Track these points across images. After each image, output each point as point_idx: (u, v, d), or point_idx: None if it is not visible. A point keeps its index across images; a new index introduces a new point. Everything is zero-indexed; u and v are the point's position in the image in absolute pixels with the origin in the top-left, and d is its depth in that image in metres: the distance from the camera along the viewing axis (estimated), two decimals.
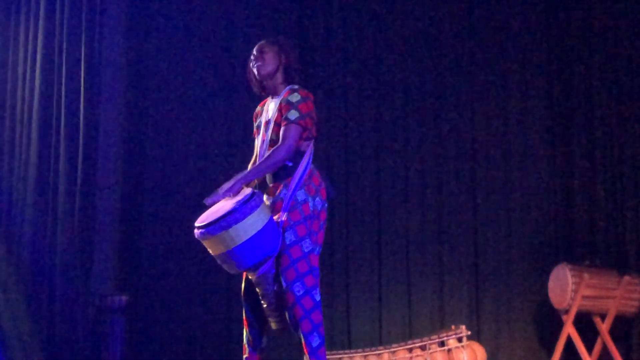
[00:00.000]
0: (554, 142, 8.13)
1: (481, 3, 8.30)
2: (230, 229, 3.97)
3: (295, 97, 4.32)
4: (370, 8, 8.34)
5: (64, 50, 7.73)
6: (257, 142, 4.50)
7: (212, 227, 4.00)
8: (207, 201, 4.22)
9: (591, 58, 8.00)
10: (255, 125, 4.57)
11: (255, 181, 4.40)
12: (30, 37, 7.83)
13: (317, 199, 4.30)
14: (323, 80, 8.24)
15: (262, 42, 4.50)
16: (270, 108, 4.45)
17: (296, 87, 4.42)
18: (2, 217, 7.58)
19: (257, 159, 4.41)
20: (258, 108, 4.60)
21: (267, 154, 4.28)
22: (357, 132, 8.24)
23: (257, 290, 4.21)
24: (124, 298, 7.53)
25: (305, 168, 4.27)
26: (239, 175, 4.28)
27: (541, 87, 8.23)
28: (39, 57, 7.78)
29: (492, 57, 8.24)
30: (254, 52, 4.48)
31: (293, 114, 4.27)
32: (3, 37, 7.89)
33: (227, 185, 4.22)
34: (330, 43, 8.32)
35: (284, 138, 4.25)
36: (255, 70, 4.45)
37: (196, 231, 4.10)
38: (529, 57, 8.22)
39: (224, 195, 4.19)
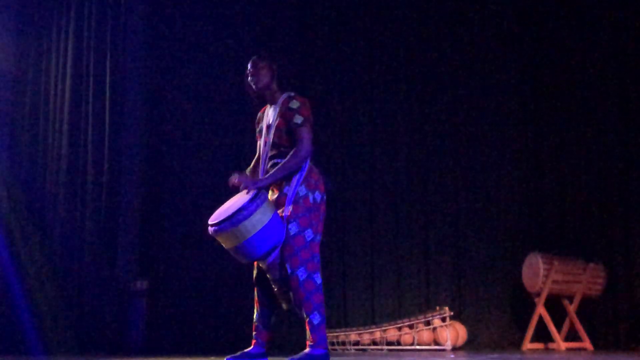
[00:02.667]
0: (527, 146, 8.16)
1: (463, 15, 8.35)
2: (239, 225, 4.01)
3: (295, 104, 4.33)
4: (368, 16, 8.40)
5: (91, 62, 7.82)
6: (260, 145, 4.48)
7: (224, 225, 4.04)
8: (235, 179, 4.19)
9: (561, 67, 8.03)
10: (257, 129, 4.56)
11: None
12: (61, 51, 7.96)
13: (317, 192, 4.28)
14: (321, 84, 8.31)
15: (255, 57, 4.49)
16: (270, 114, 4.44)
17: (292, 94, 4.41)
18: (36, 210, 7.64)
19: (260, 160, 4.42)
20: (259, 114, 4.58)
21: (288, 157, 4.25)
22: (352, 132, 8.29)
23: (269, 276, 4.23)
24: (146, 283, 7.70)
25: (305, 165, 4.26)
26: (268, 175, 4.28)
27: (516, 96, 8.25)
28: (69, 67, 7.86)
29: (473, 70, 8.28)
30: (249, 67, 4.46)
31: (299, 119, 4.28)
32: (37, 53, 8.03)
33: (256, 180, 4.23)
34: (329, 52, 8.38)
35: (301, 141, 4.26)
36: (252, 84, 4.45)
37: (210, 228, 4.11)
38: (505, 69, 8.26)
39: (253, 185, 4.16)
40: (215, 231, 4.11)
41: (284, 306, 4.31)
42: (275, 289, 4.27)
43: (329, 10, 8.47)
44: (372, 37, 8.40)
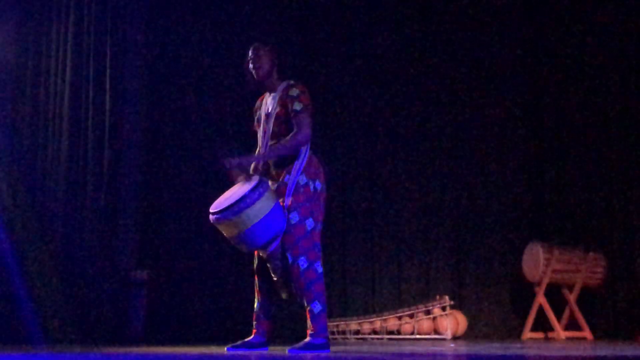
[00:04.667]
0: (528, 136, 8.13)
1: (465, 8, 8.30)
2: (241, 214, 3.98)
3: (295, 92, 4.30)
4: (370, 10, 8.30)
5: (91, 58, 7.70)
6: (259, 134, 4.44)
7: (225, 213, 4.01)
8: (226, 162, 4.16)
9: (562, 58, 8.00)
10: (255, 118, 4.52)
11: (259, 168, 4.32)
12: (61, 49, 7.85)
13: (317, 181, 4.26)
14: (321, 78, 8.18)
15: (256, 44, 4.43)
16: (269, 102, 4.39)
17: (292, 82, 4.38)
18: (37, 200, 7.53)
19: (260, 149, 4.36)
20: (257, 102, 4.54)
21: (286, 138, 4.21)
22: (353, 122, 8.20)
23: (268, 265, 4.20)
24: (146, 273, 7.64)
25: (305, 154, 4.24)
26: (263, 152, 4.26)
27: (516, 87, 8.24)
28: (68, 60, 7.79)
29: (474, 61, 8.23)
30: (250, 55, 4.41)
31: (298, 105, 4.24)
32: (37, 49, 7.91)
33: (246, 159, 4.21)
34: (328, 50, 8.27)
35: (299, 127, 4.21)
36: (253, 72, 4.39)
37: (211, 216, 4.08)
38: (507, 61, 8.23)
39: (241, 163, 4.16)
40: (216, 219, 4.07)
41: (284, 295, 4.29)
42: (275, 278, 4.23)
43: (331, 3, 8.37)
44: (373, 32, 8.32)
